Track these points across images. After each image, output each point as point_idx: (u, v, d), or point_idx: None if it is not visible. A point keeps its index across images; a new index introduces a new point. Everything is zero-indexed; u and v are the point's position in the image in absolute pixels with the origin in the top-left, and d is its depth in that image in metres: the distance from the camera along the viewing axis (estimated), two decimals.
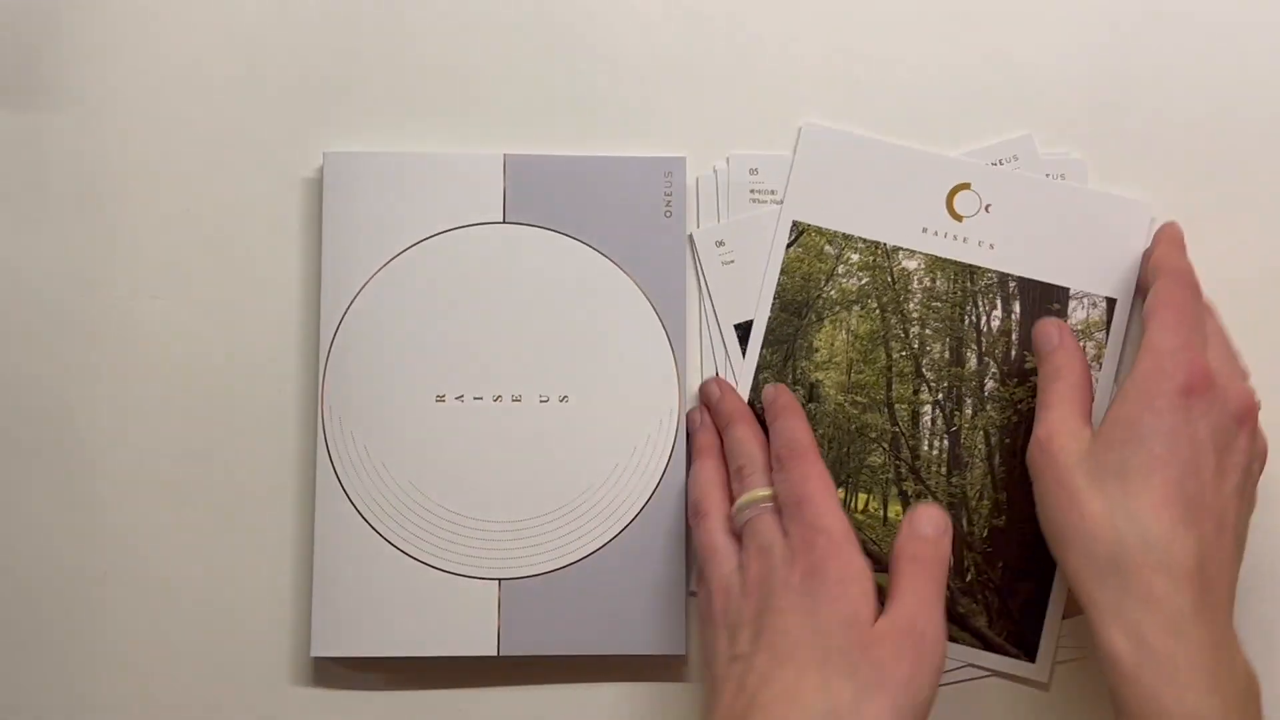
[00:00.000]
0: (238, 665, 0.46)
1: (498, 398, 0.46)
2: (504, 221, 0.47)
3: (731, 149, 0.48)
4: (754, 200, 0.47)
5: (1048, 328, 0.44)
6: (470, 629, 0.45)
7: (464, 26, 0.49)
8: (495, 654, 0.45)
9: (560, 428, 0.46)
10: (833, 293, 0.47)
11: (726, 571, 0.42)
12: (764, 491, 0.43)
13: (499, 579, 0.45)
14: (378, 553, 0.45)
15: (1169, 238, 0.45)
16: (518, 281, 0.46)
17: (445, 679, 0.46)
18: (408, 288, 0.46)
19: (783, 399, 0.46)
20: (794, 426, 0.44)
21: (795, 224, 0.47)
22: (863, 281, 0.47)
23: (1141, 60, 0.48)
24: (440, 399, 0.46)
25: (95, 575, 0.47)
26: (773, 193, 0.47)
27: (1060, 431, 0.41)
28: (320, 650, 0.45)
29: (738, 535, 0.43)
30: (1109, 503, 0.39)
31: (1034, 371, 0.45)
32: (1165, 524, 0.38)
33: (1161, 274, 0.43)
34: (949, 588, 0.42)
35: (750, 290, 0.47)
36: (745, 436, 0.45)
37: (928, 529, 0.41)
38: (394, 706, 0.46)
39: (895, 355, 0.46)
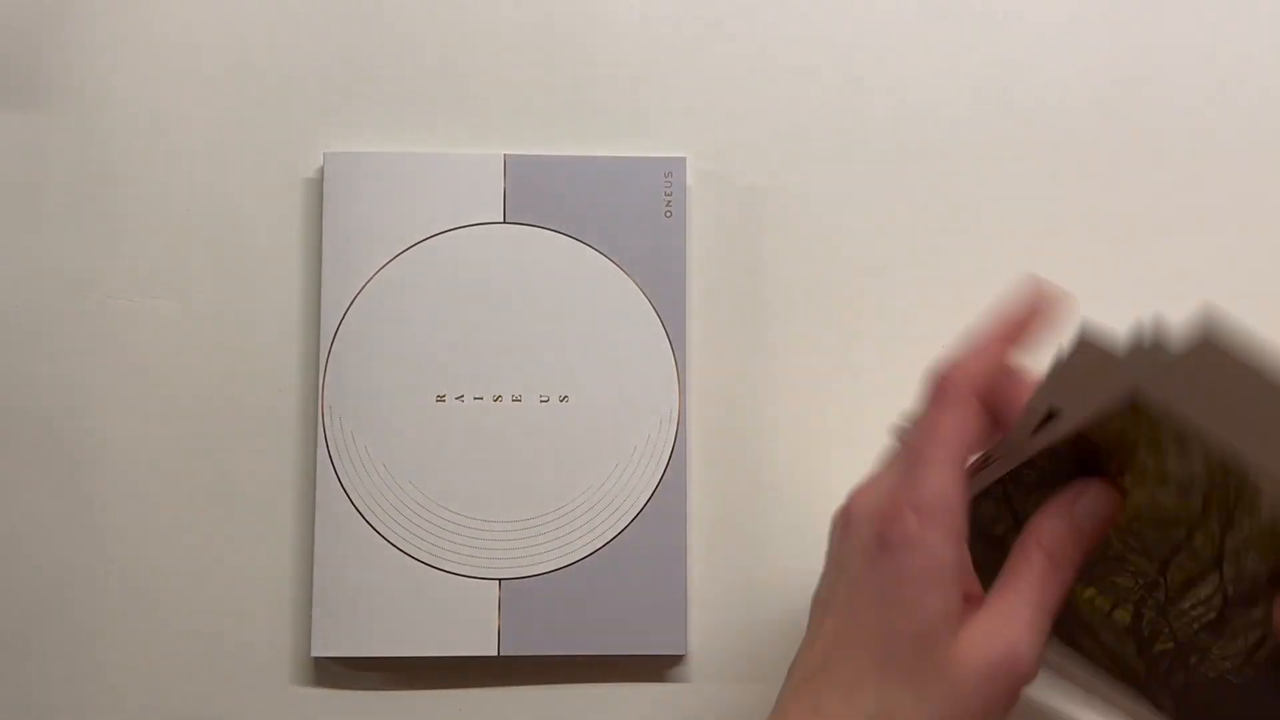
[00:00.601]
0: (238, 665, 0.46)
1: (498, 398, 0.46)
2: (504, 221, 0.47)
3: (732, 149, 0.48)
4: None
5: None
6: (470, 629, 0.45)
7: (464, 26, 0.49)
8: (495, 654, 0.45)
9: (560, 428, 0.46)
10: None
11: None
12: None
13: (499, 579, 0.45)
14: (378, 553, 0.45)
15: None
16: (518, 281, 0.46)
17: (445, 679, 0.46)
18: (408, 288, 0.46)
19: (1019, 311, 0.37)
20: (967, 359, 0.36)
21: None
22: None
23: None
24: (440, 399, 0.46)
25: (95, 575, 0.47)
26: None
27: None
28: (320, 650, 0.45)
29: None
30: None
31: None
32: None
33: None
34: None
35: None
36: None
37: (1088, 515, 0.34)
38: (394, 706, 0.46)
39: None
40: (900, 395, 0.49)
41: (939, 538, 0.33)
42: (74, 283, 0.48)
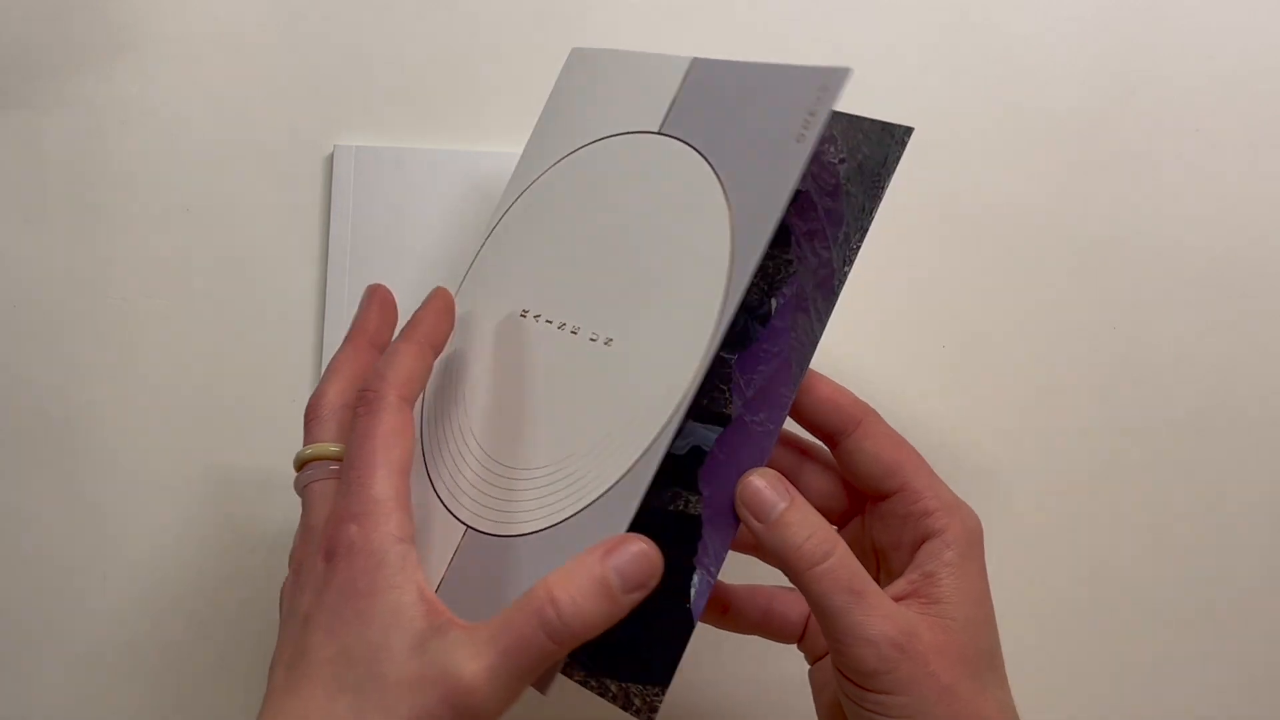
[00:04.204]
0: (237, 664, 0.46)
1: None
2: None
3: None
4: None
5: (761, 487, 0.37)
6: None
7: (470, 24, 0.51)
8: None
9: None
10: None
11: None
12: (333, 447, 0.37)
13: (467, 526, 0.39)
14: None
15: None
16: None
17: None
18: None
19: (427, 315, 0.38)
20: (397, 357, 0.36)
21: None
22: None
23: None
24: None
25: (96, 573, 0.47)
26: None
27: (916, 627, 0.34)
28: None
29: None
30: (998, 704, 0.33)
31: None
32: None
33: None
34: None
35: None
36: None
37: None
38: None
39: None
40: (899, 392, 0.48)
41: (381, 541, 0.32)
42: (74, 282, 0.49)
